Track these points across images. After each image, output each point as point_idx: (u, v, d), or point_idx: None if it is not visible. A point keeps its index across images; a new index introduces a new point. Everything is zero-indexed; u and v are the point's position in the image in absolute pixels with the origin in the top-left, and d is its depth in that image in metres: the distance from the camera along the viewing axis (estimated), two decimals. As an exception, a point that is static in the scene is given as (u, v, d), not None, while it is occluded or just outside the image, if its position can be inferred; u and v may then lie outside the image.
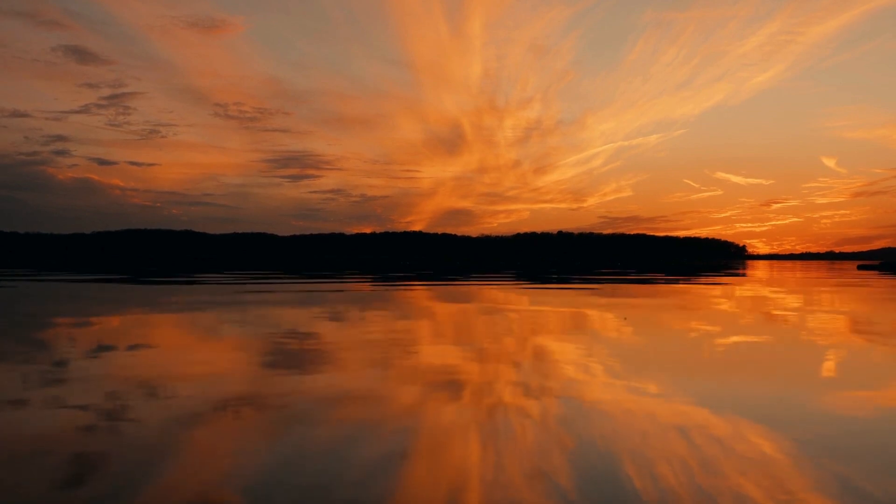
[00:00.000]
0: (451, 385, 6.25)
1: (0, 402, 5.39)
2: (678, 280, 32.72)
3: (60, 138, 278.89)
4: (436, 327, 11.25)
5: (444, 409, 5.31)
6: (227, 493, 3.50)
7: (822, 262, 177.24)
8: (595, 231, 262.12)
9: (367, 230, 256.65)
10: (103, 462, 4.06)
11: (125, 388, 5.96)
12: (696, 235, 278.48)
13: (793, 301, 18.22)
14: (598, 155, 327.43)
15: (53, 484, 3.62)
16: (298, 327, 10.67)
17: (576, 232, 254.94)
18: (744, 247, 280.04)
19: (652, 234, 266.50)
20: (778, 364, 7.76)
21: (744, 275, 45.06)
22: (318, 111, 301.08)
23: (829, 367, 7.63)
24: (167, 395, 5.72)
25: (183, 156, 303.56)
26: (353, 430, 4.68)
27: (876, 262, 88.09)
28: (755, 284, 29.46)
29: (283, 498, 3.47)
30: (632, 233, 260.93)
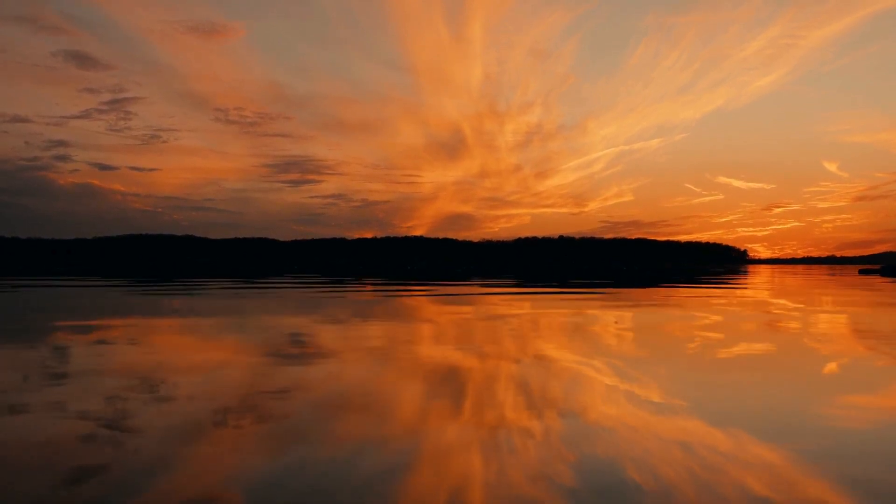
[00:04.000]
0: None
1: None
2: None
3: (61, 143, 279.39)
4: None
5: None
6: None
7: (824, 266, 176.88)
8: (596, 235, 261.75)
9: (369, 235, 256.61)
10: (105, 464, 4.21)
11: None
12: (698, 240, 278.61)
13: (799, 306, 18.31)
14: (599, 159, 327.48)
15: (56, 480, 3.76)
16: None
17: (577, 236, 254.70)
18: (745, 251, 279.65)
19: (653, 238, 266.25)
20: (782, 372, 7.87)
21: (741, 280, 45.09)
22: (318, 116, 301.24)
23: (833, 374, 7.74)
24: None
25: (184, 161, 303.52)
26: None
27: (877, 267, 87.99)
28: (760, 290, 29.53)
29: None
30: (633, 237, 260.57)
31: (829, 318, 14.96)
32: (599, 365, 7.94)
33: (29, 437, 4.71)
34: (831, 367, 8.12)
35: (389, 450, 4.46)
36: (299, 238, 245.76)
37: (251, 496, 3.63)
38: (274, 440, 4.68)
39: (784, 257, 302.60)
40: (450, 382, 6.83)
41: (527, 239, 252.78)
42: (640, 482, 3.88)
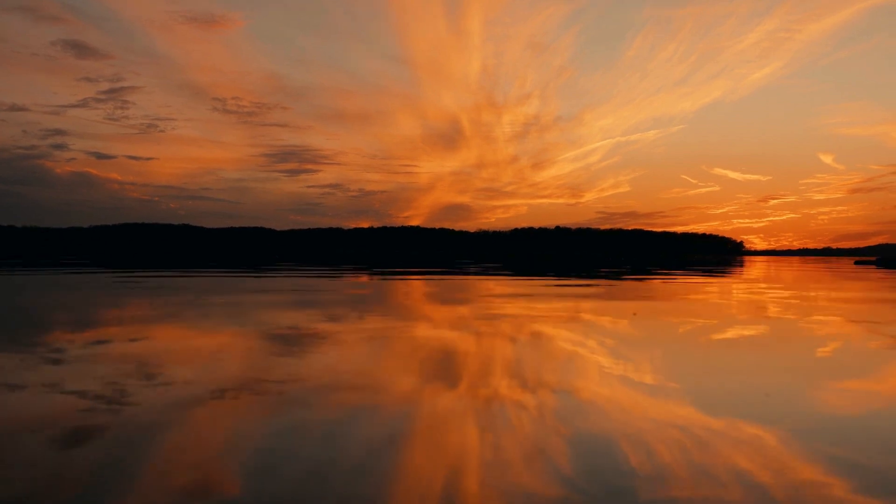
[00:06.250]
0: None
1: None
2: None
3: (59, 132, 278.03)
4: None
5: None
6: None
7: (820, 257, 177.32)
8: (593, 226, 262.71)
9: (366, 225, 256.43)
10: (102, 438, 4.23)
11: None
12: (694, 231, 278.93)
13: (799, 297, 18.38)
14: (595, 151, 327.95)
15: (56, 456, 3.77)
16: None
17: (573, 227, 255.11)
18: (741, 242, 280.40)
19: (649, 229, 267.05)
20: (779, 358, 7.91)
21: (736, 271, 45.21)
22: (316, 106, 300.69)
23: (825, 360, 7.78)
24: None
25: (181, 150, 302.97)
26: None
27: (873, 258, 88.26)
28: (759, 280, 29.62)
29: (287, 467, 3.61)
30: (629, 228, 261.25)
31: (823, 307, 15.01)
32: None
33: (28, 414, 4.71)
34: (822, 352, 8.17)
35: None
36: (296, 228, 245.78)
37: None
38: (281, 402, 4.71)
39: (780, 249, 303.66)
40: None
41: (523, 229, 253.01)
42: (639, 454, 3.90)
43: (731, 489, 3.48)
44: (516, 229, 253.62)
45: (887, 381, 6.52)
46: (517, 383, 6.09)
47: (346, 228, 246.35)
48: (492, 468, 3.79)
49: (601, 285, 22.96)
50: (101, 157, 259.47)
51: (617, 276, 30.31)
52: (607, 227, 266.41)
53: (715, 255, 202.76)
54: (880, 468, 3.87)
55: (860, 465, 3.92)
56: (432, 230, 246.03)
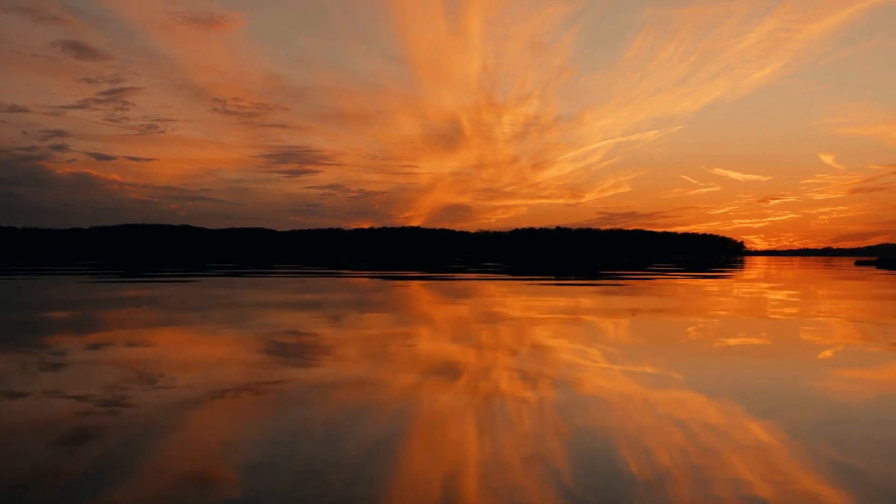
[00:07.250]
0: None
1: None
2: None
3: (59, 133, 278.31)
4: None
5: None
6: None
7: (820, 258, 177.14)
8: (593, 227, 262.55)
9: (366, 225, 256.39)
10: (103, 437, 4.25)
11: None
12: (694, 231, 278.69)
13: (799, 295, 18.38)
14: (596, 151, 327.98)
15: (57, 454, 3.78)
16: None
17: (574, 227, 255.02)
18: (741, 243, 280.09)
19: (650, 229, 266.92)
20: (777, 353, 7.92)
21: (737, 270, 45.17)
22: (316, 107, 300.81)
23: (825, 355, 7.79)
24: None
25: (181, 151, 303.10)
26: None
27: (873, 258, 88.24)
28: (759, 280, 29.61)
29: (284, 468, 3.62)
30: (629, 228, 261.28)
31: (824, 308, 15.01)
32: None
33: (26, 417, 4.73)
34: (823, 355, 8.18)
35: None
36: (296, 228, 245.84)
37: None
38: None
39: (780, 249, 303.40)
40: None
41: (524, 230, 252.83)
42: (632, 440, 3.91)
43: (729, 489, 3.50)
44: (517, 230, 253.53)
45: (888, 382, 6.54)
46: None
47: (346, 229, 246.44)
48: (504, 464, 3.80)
49: (604, 286, 22.97)
50: (101, 158, 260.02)
51: (618, 277, 30.33)
52: (608, 227, 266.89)
53: (715, 255, 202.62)
54: (880, 473, 3.89)
55: (860, 470, 3.94)
56: (432, 231, 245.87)
